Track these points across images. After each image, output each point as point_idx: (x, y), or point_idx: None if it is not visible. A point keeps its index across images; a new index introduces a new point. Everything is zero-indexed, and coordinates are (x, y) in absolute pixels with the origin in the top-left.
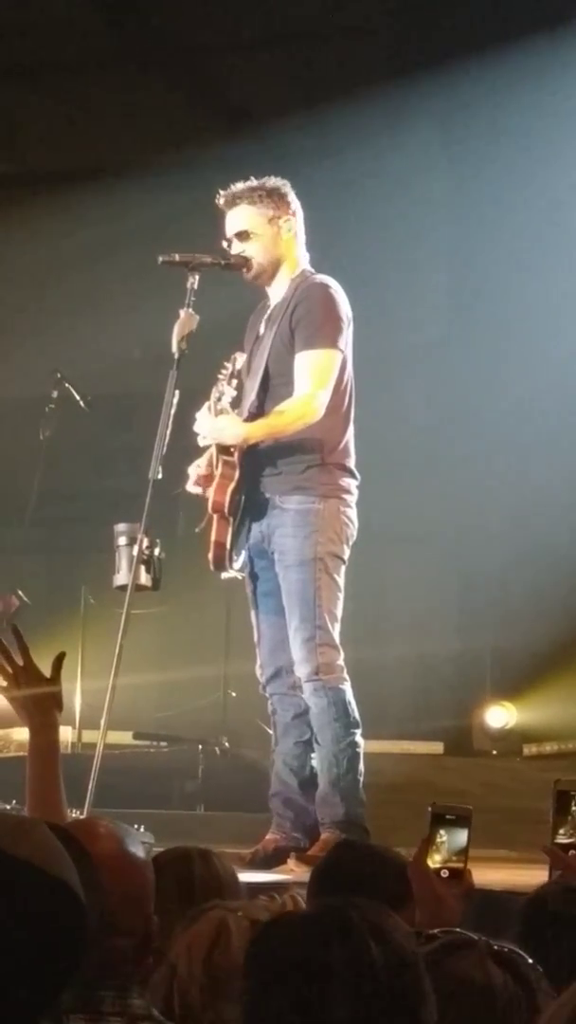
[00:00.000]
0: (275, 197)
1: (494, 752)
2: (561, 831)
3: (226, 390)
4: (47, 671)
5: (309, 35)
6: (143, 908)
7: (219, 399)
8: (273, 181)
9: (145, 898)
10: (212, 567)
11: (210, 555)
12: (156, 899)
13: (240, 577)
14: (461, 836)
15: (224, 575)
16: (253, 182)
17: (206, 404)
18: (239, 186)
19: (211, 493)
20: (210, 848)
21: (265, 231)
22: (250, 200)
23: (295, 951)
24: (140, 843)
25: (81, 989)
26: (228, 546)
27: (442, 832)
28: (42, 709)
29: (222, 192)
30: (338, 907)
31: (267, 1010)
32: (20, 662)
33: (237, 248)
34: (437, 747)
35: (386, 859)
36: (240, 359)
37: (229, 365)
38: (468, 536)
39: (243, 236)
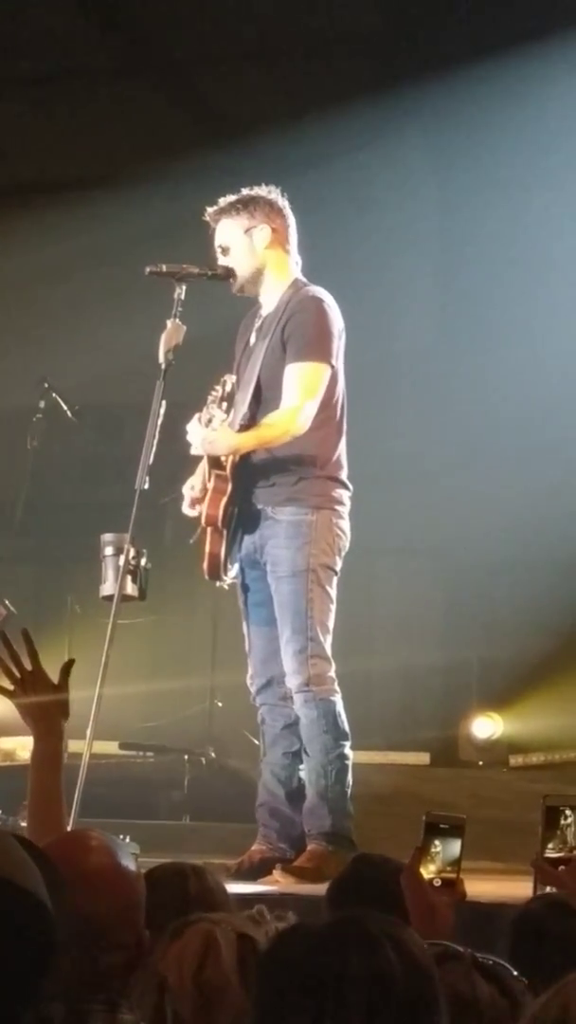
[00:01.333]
0: (251, 207)
1: (480, 763)
2: (550, 845)
3: (216, 413)
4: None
5: (298, 47)
6: (135, 921)
7: (209, 422)
8: (253, 191)
9: (136, 911)
10: (207, 577)
11: (205, 565)
12: (150, 915)
13: (234, 583)
14: (455, 846)
15: (219, 584)
16: (234, 196)
17: (197, 415)
18: (221, 201)
19: (204, 507)
20: (200, 863)
21: (240, 242)
22: (228, 213)
23: (311, 961)
24: (131, 855)
25: (70, 1004)
26: (223, 557)
27: (436, 842)
28: (47, 715)
29: (209, 210)
30: (355, 918)
31: (281, 1020)
32: (29, 667)
33: (222, 261)
34: (424, 758)
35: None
36: (230, 382)
37: (219, 388)
38: (454, 547)
39: (224, 251)
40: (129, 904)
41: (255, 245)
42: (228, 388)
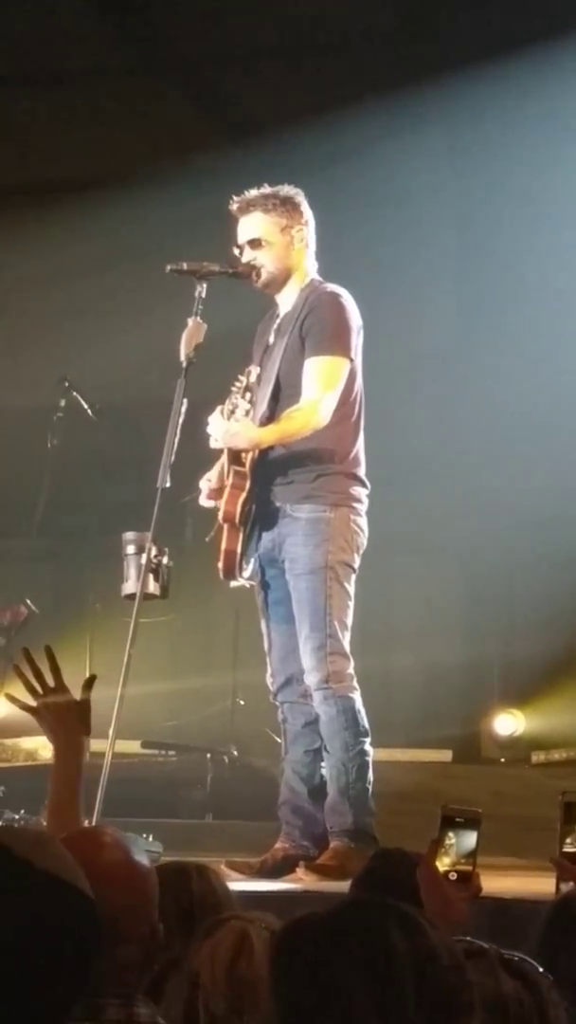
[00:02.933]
0: (288, 206)
1: (502, 760)
2: (568, 840)
3: (240, 403)
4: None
5: (316, 44)
6: (149, 915)
7: (232, 411)
8: (287, 190)
9: (150, 906)
10: (222, 575)
11: (220, 564)
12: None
13: (249, 586)
14: (470, 839)
15: (234, 584)
16: (267, 189)
17: (219, 407)
18: (253, 193)
19: (222, 503)
20: (207, 863)
21: (278, 240)
22: (264, 208)
23: (323, 947)
24: (144, 852)
25: (86, 997)
26: (239, 554)
27: (451, 834)
28: (69, 731)
29: (236, 198)
30: (367, 904)
31: (298, 1009)
32: (52, 683)
33: (248, 255)
34: (446, 755)
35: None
36: (254, 372)
37: (243, 378)
38: (476, 544)
39: (255, 244)
40: (143, 898)
41: (294, 244)
42: (252, 378)
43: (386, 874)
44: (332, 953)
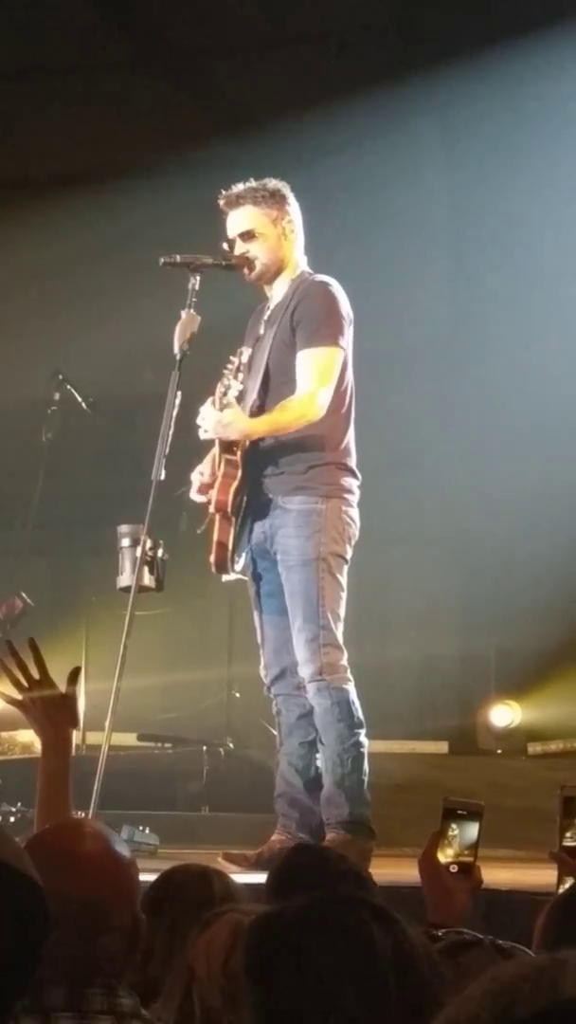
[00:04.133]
0: (277, 198)
1: (499, 751)
2: (568, 835)
3: (232, 384)
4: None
5: (309, 36)
6: (131, 904)
7: (225, 392)
8: (274, 183)
9: (131, 894)
10: (214, 569)
11: (212, 556)
12: (174, 912)
13: (242, 578)
14: (472, 831)
15: (225, 578)
16: (253, 183)
17: (210, 399)
18: (240, 187)
19: (214, 493)
20: (214, 861)
21: (270, 231)
22: (253, 200)
23: (299, 943)
24: (124, 843)
25: (69, 988)
26: (230, 547)
27: (453, 826)
28: (56, 725)
29: (224, 192)
30: (341, 899)
31: (275, 1005)
32: (37, 676)
33: (240, 248)
34: (442, 746)
35: (338, 862)
36: (246, 353)
37: (235, 359)
38: (471, 535)
39: (247, 236)
40: (124, 887)
41: (283, 236)
42: (244, 359)
43: (302, 866)
44: (312, 948)
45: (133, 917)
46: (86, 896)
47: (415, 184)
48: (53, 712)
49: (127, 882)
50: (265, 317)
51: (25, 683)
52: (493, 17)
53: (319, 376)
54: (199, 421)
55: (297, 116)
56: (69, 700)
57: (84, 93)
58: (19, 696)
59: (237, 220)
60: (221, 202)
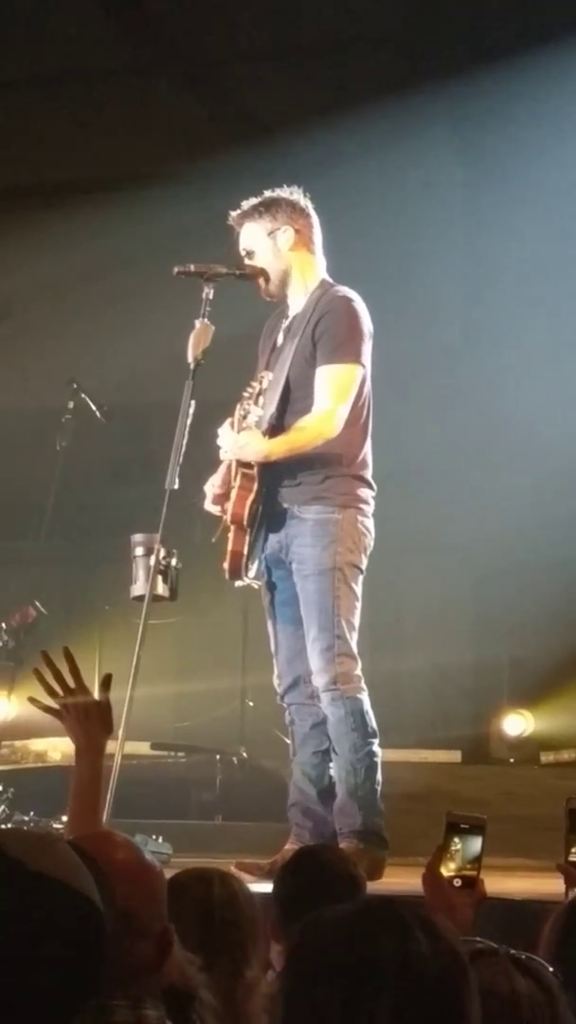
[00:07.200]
0: (273, 209)
1: (512, 760)
2: (574, 849)
3: (252, 409)
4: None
5: (322, 45)
6: (160, 912)
7: (244, 417)
8: (274, 193)
9: (161, 903)
10: (228, 576)
11: (226, 564)
12: (173, 919)
13: (256, 586)
14: (475, 845)
15: (239, 583)
16: (255, 199)
17: (228, 420)
18: (245, 204)
19: (230, 505)
20: (228, 870)
21: (264, 245)
22: (250, 217)
23: (343, 946)
24: (152, 853)
25: (94, 999)
26: (245, 556)
27: (456, 840)
28: (90, 732)
29: (232, 214)
30: (385, 903)
31: (311, 1007)
32: (72, 685)
33: (248, 265)
34: (455, 756)
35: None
36: (267, 379)
37: (256, 385)
38: (484, 545)
39: (249, 254)
40: (155, 895)
41: (279, 247)
42: (265, 384)
43: (308, 868)
44: (359, 955)
45: (163, 924)
46: (120, 903)
47: (431, 192)
48: (88, 719)
49: (157, 890)
50: (284, 325)
51: (60, 691)
52: (505, 26)
53: (337, 394)
54: (219, 442)
55: (310, 125)
56: (103, 707)
57: (97, 102)
58: (55, 705)
59: (242, 239)
60: (231, 222)
